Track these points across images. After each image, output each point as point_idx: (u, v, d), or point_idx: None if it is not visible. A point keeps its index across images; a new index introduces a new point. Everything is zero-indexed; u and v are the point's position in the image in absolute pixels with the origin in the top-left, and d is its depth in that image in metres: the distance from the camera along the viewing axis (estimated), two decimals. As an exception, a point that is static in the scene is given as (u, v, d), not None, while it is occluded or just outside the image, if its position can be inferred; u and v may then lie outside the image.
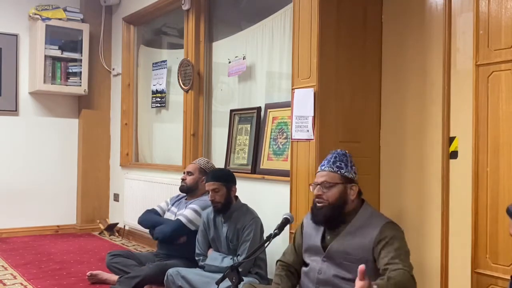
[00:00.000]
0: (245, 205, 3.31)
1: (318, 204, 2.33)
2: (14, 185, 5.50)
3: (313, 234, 2.41)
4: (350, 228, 2.29)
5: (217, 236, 3.30)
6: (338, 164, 2.34)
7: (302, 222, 2.54)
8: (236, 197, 3.32)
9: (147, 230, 3.97)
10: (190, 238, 3.56)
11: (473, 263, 2.26)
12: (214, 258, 3.22)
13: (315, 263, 2.36)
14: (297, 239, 2.53)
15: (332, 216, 2.30)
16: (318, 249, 2.36)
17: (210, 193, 3.23)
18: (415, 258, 2.27)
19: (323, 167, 2.37)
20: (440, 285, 2.77)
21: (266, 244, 2.41)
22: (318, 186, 2.33)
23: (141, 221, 3.84)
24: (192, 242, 3.50)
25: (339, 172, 2.31)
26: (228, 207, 3.24)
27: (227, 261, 3.11)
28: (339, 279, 2.27)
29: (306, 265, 2.43)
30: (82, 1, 5.80)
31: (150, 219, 3.80)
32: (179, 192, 3.94)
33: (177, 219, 3.60)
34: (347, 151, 2.42)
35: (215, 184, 3.22)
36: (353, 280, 2.14)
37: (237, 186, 3.32)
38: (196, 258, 3.37)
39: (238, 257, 3.10)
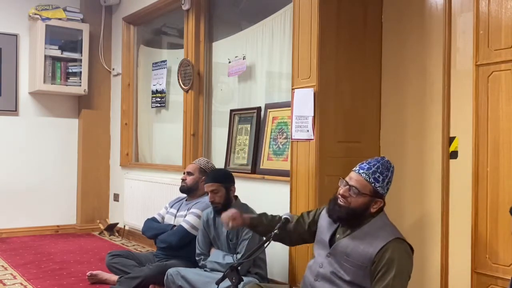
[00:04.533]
0: (245, 205, 3.31)
1: (340, 202, 2.29)
2: (14, 185, 5.50)
3: (326, 229, 2.40)
4: (359, 233, 2.27)
5: (217, 235, 3.30)
6: (377, 175, 2.26)
7: (321, 212, 2.49)
8: (236, 197, 3.32)
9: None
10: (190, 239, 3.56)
11: (473, 263, 2.26)
12: (216, 255, 3.23)
13: (320, 257, 2.37)
14: (311, 217, 2.52)
15: (346, 219, 2.29)
16: (326, 244, 2.36)
17: (209, 194, 3.24)
18: (415, 258, 2.26)
19: (361, 171, 2.28)
20: (440, 285, 2.77)
21: (266, 244, 2.41)
22: (348, 187, 2.28)
23: (144, 231, 3.82)
24: (192, 242, 3.50)
25: (373, 185, 2.25)
26: (228, 207, 3.22)
27: (229, 259, 3.12)
28: (337, 277, 2.27)
29: (313, 257, 2.44)
30: (82, 1, 5.79)
31: (153, 227, 3.77)
32: (178, 195, 3.94)
33: (181, 226, 3.58)
34: (391, 163, 2.34)
35: (213, 185, 3.22)
36: (349, 282, 2.23)
37: (237, 186, 3.32)
38: (197, 258, 3.37)
39: (237, 254, 3.11)
